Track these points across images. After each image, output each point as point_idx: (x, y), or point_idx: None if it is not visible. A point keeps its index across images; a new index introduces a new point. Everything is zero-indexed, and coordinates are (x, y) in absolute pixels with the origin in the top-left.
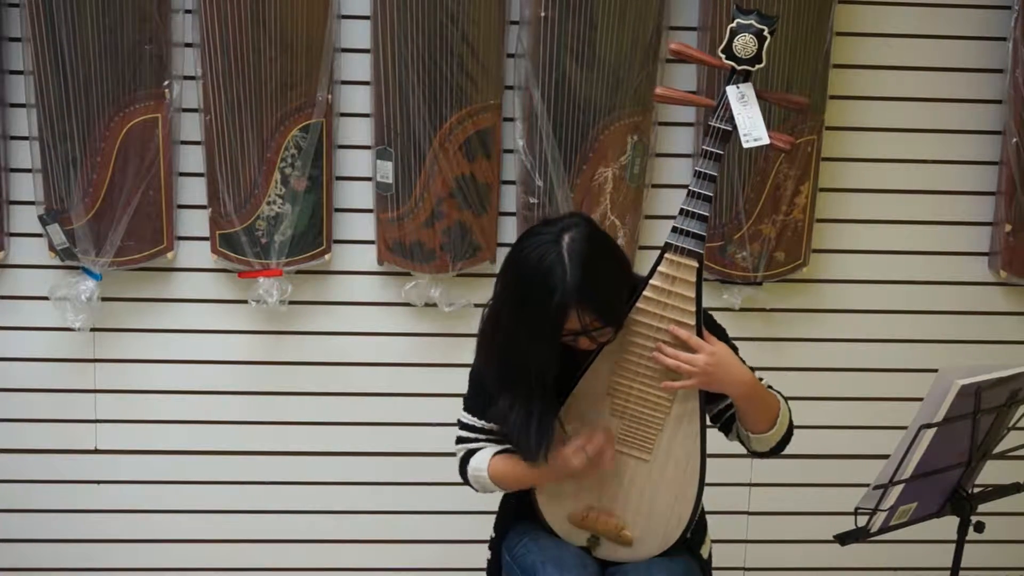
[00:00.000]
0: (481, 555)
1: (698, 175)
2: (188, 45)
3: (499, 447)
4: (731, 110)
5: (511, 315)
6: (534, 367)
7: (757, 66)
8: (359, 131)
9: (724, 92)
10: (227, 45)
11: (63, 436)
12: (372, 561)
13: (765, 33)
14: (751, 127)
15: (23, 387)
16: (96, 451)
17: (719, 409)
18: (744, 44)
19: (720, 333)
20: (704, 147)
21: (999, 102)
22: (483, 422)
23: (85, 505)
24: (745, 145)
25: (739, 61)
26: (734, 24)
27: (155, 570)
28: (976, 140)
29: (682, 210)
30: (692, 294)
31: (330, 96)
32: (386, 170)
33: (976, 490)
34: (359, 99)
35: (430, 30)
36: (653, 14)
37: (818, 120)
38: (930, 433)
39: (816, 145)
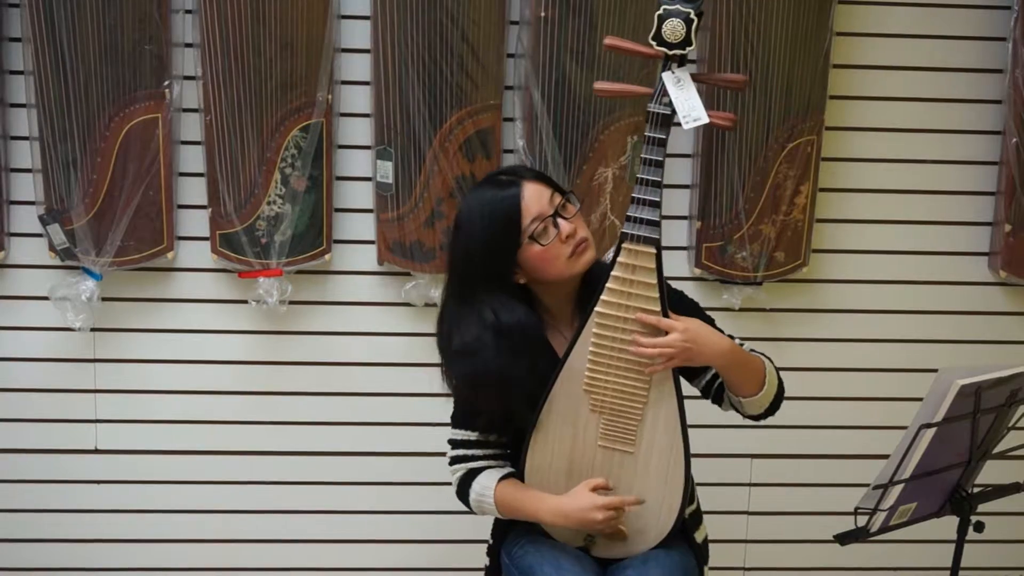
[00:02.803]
0: (479, 555)
1: (645, 162)
2: (188, 45)
3: (503, 469)
4: (669, 95)
5: (469, 243)
6: (503, 268)
7: (688, 48)
8: (359, 131)
9: (660, 79)
10: (227, 45)
11: (63, 436)
12: (371, 561)
13: (692, 16)
14: (689, 108)
15: (23, 387)
16: (96, 451)
17: (706, 381)
18: (672, 29)
19: (692, 307)
20: (646, 133)
21: (999, 102)
22: (477, 434)
23: (85, 505)
24: (685, 126)
25: (670, 46)
26: (660, 10)
27: (155, 570)
28: (976, 140)
29: (633, 199)
30: (654, 280)
31: (330, 96)
32: (386, 170)
33: (976, 490)
34: (359, 99)
35: (430, 30)
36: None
37: (818, 120)
38: (930, 433)
39: (816, 145)
